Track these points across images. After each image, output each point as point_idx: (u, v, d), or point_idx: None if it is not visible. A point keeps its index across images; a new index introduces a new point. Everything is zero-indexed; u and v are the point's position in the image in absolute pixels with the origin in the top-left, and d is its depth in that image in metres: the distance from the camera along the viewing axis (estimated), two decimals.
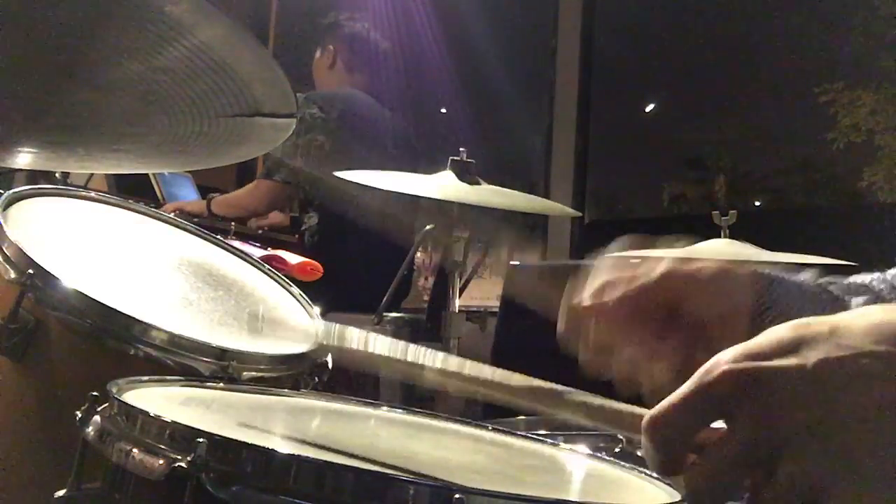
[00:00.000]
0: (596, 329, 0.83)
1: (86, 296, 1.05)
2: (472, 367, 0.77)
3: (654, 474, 0.81)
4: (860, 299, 0.87)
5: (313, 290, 1.46)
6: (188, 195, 3.42)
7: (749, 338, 0.81)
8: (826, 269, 0.93)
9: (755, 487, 0.56)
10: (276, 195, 3.09)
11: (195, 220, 2.41)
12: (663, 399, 0.68)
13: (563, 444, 0.97)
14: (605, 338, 0.82)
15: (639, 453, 1.23)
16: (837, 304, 0.86)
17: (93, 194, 1.42)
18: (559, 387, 0.71)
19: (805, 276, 0.89)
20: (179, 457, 0.63)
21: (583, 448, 0.97)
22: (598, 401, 0.70)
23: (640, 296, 0.82)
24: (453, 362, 0.78)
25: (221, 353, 1.08)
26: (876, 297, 0.86)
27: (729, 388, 0.57)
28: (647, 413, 0.61)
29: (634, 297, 0.82)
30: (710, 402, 0.58)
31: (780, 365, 0.57)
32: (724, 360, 0.58)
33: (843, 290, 0.88)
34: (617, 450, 1.21)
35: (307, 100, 3.06)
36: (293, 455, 0.63)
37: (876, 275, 0.90)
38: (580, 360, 0.84)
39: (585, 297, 0.84)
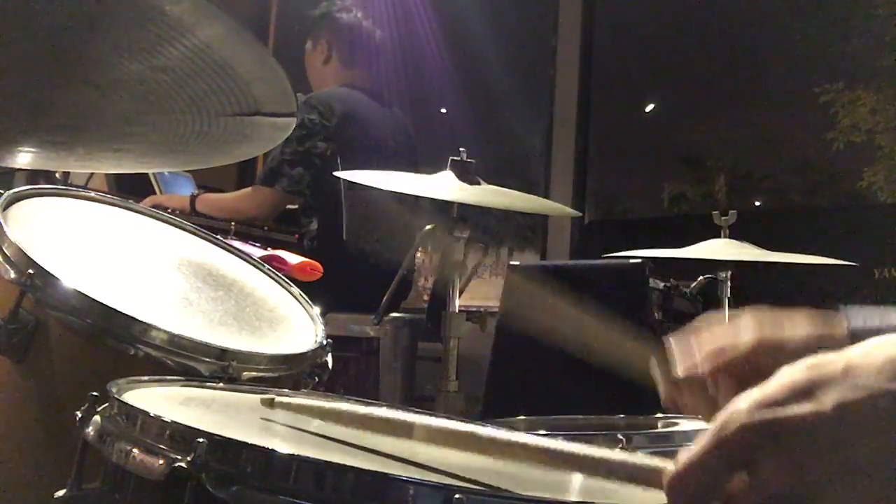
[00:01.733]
0: (690, 391, 0.85)
1: (86, 296, 1.05)
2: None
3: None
4: None
5: (313, 290, 1.46)
6: (187, 194, 3.39)
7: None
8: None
9: None
10: (276, 202, 3.05)
11: (195, 219, 2.41)
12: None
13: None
14: (697, 395, 0.84)
15: (639, 453, 1.23)
16: None
17: (93, 194, 1.42)
18: (575, 447, 0.71)
19: (892, 320, 0.87)
20: (179, 457, 0.63)
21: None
22: (617, 457, 0.69)
23: (732, 366, 0.81)
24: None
25: (221, 353, 1.08)
26: None
27: (747, 441, 0.57)
28: (668, 470, 0.60)
29: (726, 367, 0.82)
30: (729, 456, 0.57)
31: (796, 414, 0.56)
32: (739, 410, 0.58)
33: None
34: (617, 450, 1.21)
35: (306, 104, 2.99)
36: (293, 455, 0.63)
37: None
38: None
39: (681, 368, 0.85)
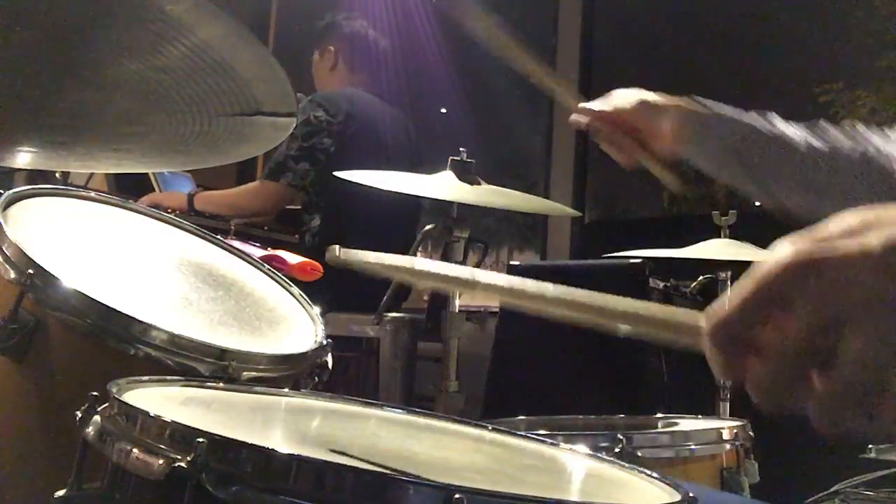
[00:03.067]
0: (597, 123, 1.46)
1: (86, 296, 1.05)
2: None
3: (655, 474, 0.81)
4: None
5: (313, 290, 1.46)
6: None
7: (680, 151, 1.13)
8: None
9: (817, 386, 0.55)
10: (281, 197, 3.06)
11: (195, 219, 2.40)
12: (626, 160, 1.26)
13: (563, 444, 0.97)
14: (603, 129, 1.45)
15: (639, 454, 1.24)
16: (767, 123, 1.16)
17: (93, 194, 1.42)
18: (605, 296, 0.70)
19: (751, 119, 1.09)
20: (179, 457, 0.63)
21: (583, 448, 0.97)
22: (651, 308, 0.68)
23: (622, 110, 1.37)
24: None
25: (221, 353, 1.08)
26: None
27: (790, 272, 0.56)
28: (707, 313, 0.59)
29: (617, 110, 1.37)
30: (770, 289, 0.56)
31: (843, 247, 0.55)
32: (783, 248, 0.57)
33: None
34: (617, 450, 1.21)
35: (312, 101, 3.03)
36: (293, 455, 0.63)
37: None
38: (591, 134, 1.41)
39: (596, 105, 1.43)
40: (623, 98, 1.39)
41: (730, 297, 0.58)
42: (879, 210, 0.58)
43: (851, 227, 0.57)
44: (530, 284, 0.75)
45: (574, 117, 1.43)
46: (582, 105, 1.43)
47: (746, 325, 0.57)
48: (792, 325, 0.56)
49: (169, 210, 2.93)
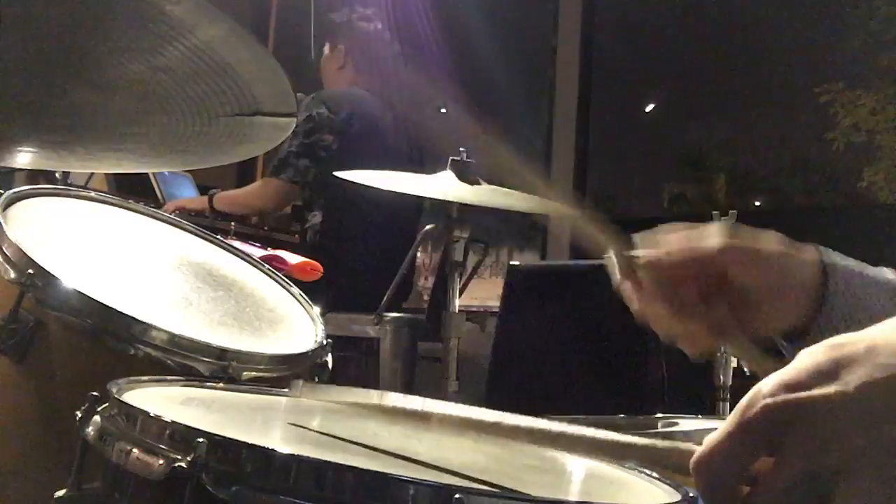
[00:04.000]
0: (650, 281, 0.85)
1: (86, 296, 1.05)
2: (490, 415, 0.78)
3: (655, 474, 0.81)
4: None
5: (313, 290, 1.46)
6: (188, 194, 3.40)
7: (801, 315, 0.84)
8: None
9: None
10: (286, 194, 3.08)
11: (195, 219, 2.40)
12: (697, 349, 0.81)
13: None
14: (657, 291, 0.85)
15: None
16: None
17: (93, 194, 1.42)
18: (599, 433, 0.71)
19: (874, 271, 0.88)
20: (179, 457, 0.63)
21: None
22: (640, 441, 0.69)
23: (700, 259, 0.83)
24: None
25: (221, 353, 1.08)
26: None
27: (772, 422, 0.57)
28: (694, 453, 0.60)
29: (694, 258, 0.83)
30: (754, 437, 0.57)
31: (821, 394, 0.56)
32: (762, 393, 0.58)
33: None
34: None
35: (315, 99, 3.05)
36: (293, 455, 0.63)
37: None
38: (632, 308, 0.88)
39: (642, 249, 0.86)
40: (700, 237, 0.84)
41: (715, 440, 0.59)
42: (843, 341, 0.59)
43: (821, 369, 0.57)
44: (488, 416, 0.77)
45: (616, 272, 0.88)
46: (624, 252, 0.87)
47: (732, 467, 0.58)
48: (781, 469, 0.57)
49: (193, 213, 2.96)
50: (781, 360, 0.82)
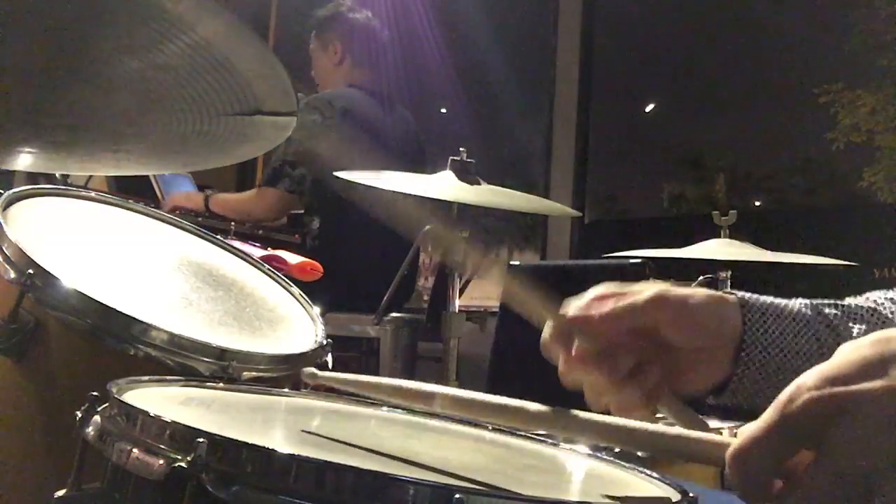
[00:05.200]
0: (578, 340, 0.83)
1: (86, 296, 1.05)
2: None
3: (655, 474, 0.81)
4: (860, 326, 0.84)
5: (313, 290, 1.46)
6: (194, 193, 3.39)
7: (726, 370, 0.82)
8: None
9: None
10: (284, 204, 3.07)
11: (195, 219, 2.40)
12: (627, 416, 0.75)
13: (563, 444, 0.97)
14: (592, 356, 0.82)
15: (639, 453, 1.23)
16: (834, 330, 0.83)
17: (93, 194, 1.42)
18: (631, 423, 0.71)
19: (798, 304, 0.85)
20: (179, 457, 0.63)
21: (583, 448, 0.97)
22: (672, 431, 0.69)
23: (627, 314, 0.81)
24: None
25: (221, 353, 1.08)
26: (882, 321, 0.84)
27: (815, 416, 0.56)
28: (732, 445, 0.59)
29: (621, 314, 0.81)
30: (795, 431, 0.57)
31: (866, 388, 0.55)
32: (806, 386, 0.57)
33: (841, 315, 0.85)
34: (617, 450, 1.21)
35: (307, 105, 3.01)
36: (293, 455, 0.63)
37: (879, 294, 0.86)
38: (559, 369, 0.85)
39: (573, 307, 0.83)
40: (631, 293, 0.83)
41: (754, 432, 0.58)
42: (890, 335, 0.58)
43: (867, 363, 0.56)
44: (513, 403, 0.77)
45: (547, 334, 0.87)
46: (556, 312, 0.85)
47: (771, 461, 0.58)
48: (822, 465, 0.55)
49: (188, 211, 2.95)
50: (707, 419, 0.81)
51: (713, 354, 0.84)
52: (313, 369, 0.90)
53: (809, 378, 0.57)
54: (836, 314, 0.84)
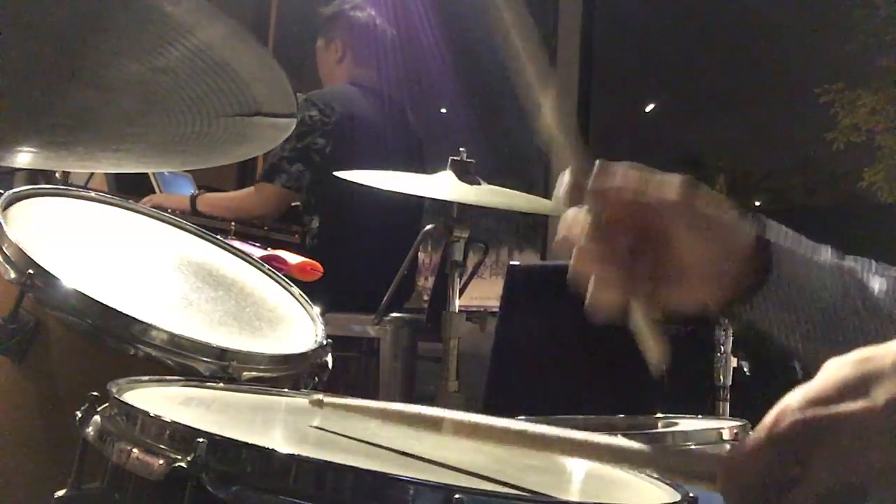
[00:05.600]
0: (591, 210, 0.77)
1: (86, 296, 1.05)
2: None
3: (654, 474, 0.81)
4: (881, 279, 0.81)
5: (313, 290, 1.46)
6: (187, 193, 3.39)
7: (717, 298, 0.78)
8: None
9: None
10: (281, 200, 3.05)
11: (196, 219, 2.40)
12: (603, 302, 0.74)
13: None
14: (595, 225, 0.76)
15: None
16: (858, 283, 0.80)
17: (93, 194, 1.42)
18: (624, 442, 0.71)
19: (824, 258, 0.82)
20: (179, 457, 0.63)
21: None
22: (665, 450, 0.70)
23: (650, 203, 0.76)
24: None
25: (221, 353, 1.08)
26: None
27: (800, 437, 0.57)
28: (721, 465, 0.61)
29: (643, 202, 0.76)
30: (782, 452, 0.58)
31: (848, 410, 0.56)
32: (790, 407, 0.58)
33: (863, 267, 0.83)
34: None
35: (306, 101, 3.00)
36: (293, 455, 0.63)
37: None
38: (560, 240, 0.80)
39: (591, 190, 0.78)
40: (658, 184, 0.78)
41: (743, 453, 0.60)
42: (870, 354, 0.59)
43: (848, 383, 0.58)
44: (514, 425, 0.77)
45: (562, 192, 0.81)
46: (579, 172, 0.81)
47: (762, 480, 0.59)
48: (808, 483, 0.57)
49: (170, 211, 2.93)
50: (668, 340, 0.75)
51: (713, 276, 0.78)
52: (320, 395, 0.90)
53: (794, 399, 0.59)
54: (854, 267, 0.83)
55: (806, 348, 0.79)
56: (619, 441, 0.71)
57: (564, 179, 0.81)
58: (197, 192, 3.15)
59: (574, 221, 0.78)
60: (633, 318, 0.77)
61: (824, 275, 0.80)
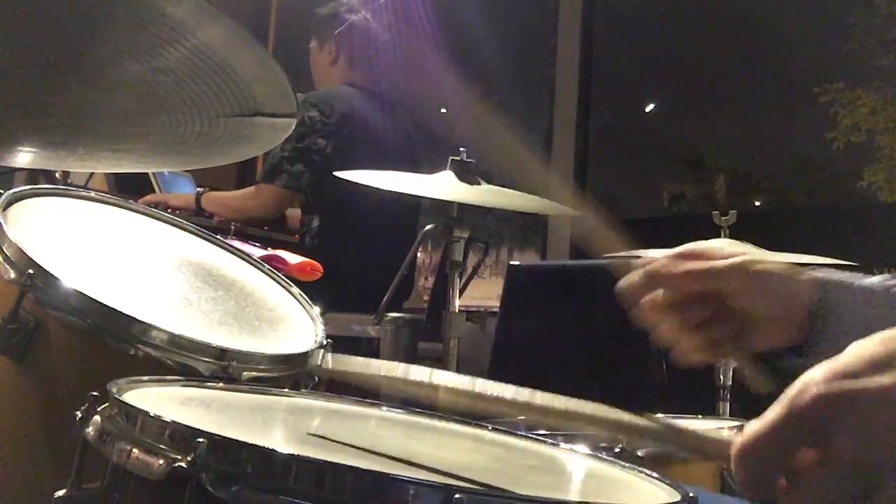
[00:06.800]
0: (658, 291, 0.89)
1: (86, 296, 1.05)
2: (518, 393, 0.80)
3: (655, 474, 0.81)
4: None
5: (313, 290, 1.46)
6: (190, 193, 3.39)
7: (794, 336, 0.87)
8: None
9: None
10: (281, 200, 3.06)
11: (195, 219, 2.40)
12: (694, 362, 0.86)
13: (563, 444, 0.97)
14: (660, 301, 0.89)
15: (639, 453, 1.24)
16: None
17: (93, 194, 1.42)
18: (636, 418, 0.73)
19: (871, 280, 0.90)
20: (179, 457, 0.63)
21: (583, 448, 0.97)
22: (676, 426, 0.70)
23: (706, 276, 0.87)
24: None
25: (221, 353, 1.08)
26: None
27: (823, 410, 0.56)
28: (737, 440, 0.60)
29: (701, 276, 0.87)
30: (803, 426, 0.57)
31: (874, 383, 0.55)
32: (814, 381, 0.57)
33: None
34: (617, 450, 1.21)
35: (306, 102, 3.01)
36: (293, 455, 0.63)
37: None
38: (630, 313, 0.92)
39: (658, 261, 0.89)
40: (709, 254, 0.89)
41: (760, 427, 0.58)
42: None
43: (875, 360, 0.57)
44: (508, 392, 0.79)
45: (625, 286, 0.91)
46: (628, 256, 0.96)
47: (776, 456, 0.58)
48: (828, 462, 0.56)
49: (171, 210, 2.94)
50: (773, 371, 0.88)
51: (783, 320, 0.89)
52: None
53: (818, 373, 0.57)
54: None
55: None
56: (630, 417, 0.71)
57: (623, 282, 0.92)
58: (201, 190, 3.16)
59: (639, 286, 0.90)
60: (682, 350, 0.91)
61: (871, 294, 0.90)
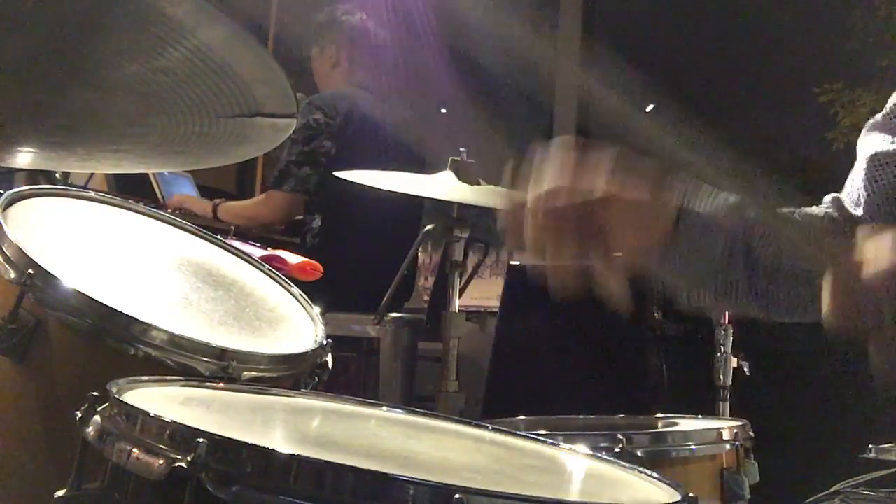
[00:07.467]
0: (532, 226, 0.95)
1: (86, 296, 1.05)
2: None
3: (655, 474, 0.81)
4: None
5: (313, 290, 1.46)
6: (188, 193, 3.40)
7: (651, 242, 0.97)
8: None
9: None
10: (291, 205, 3.07)
11: (195, 219, 2.40)
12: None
13: (563, 444, 0.98)
14: (538, 234, 0.95)
15: (639, 454, 1.24)
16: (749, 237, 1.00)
17: (93, 194, 1.42)
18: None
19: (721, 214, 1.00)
20: (179, 457, 0.63)
21: (583, 448, 0.97)
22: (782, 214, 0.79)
23: (578, 210, 0.94)
24: None
25: (221, 353, 1.08)
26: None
27: None
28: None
29: (572, 210, 0.94)
30: None
31: None
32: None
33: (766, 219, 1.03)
34: (617, 450, 1.21)
35: (310, 105, 3.02)
36: (293, 455, 0.63)
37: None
38: (507, 244, 1.00)
39: (530, 197, 0.95)
40: (586, 182, 0.96)
41: (884, 238, 0.69)
42: None
43: None
44: None
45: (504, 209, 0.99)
46: (514, 195, 1.00)
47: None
48: None
49: (169, 211, 2.94)
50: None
51: (642, 235, 0.99)
52: None
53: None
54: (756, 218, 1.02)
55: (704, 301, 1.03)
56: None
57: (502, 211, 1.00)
58: (218, 200, 3.19)
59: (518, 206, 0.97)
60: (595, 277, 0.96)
61: (713, 239, 1.00)
